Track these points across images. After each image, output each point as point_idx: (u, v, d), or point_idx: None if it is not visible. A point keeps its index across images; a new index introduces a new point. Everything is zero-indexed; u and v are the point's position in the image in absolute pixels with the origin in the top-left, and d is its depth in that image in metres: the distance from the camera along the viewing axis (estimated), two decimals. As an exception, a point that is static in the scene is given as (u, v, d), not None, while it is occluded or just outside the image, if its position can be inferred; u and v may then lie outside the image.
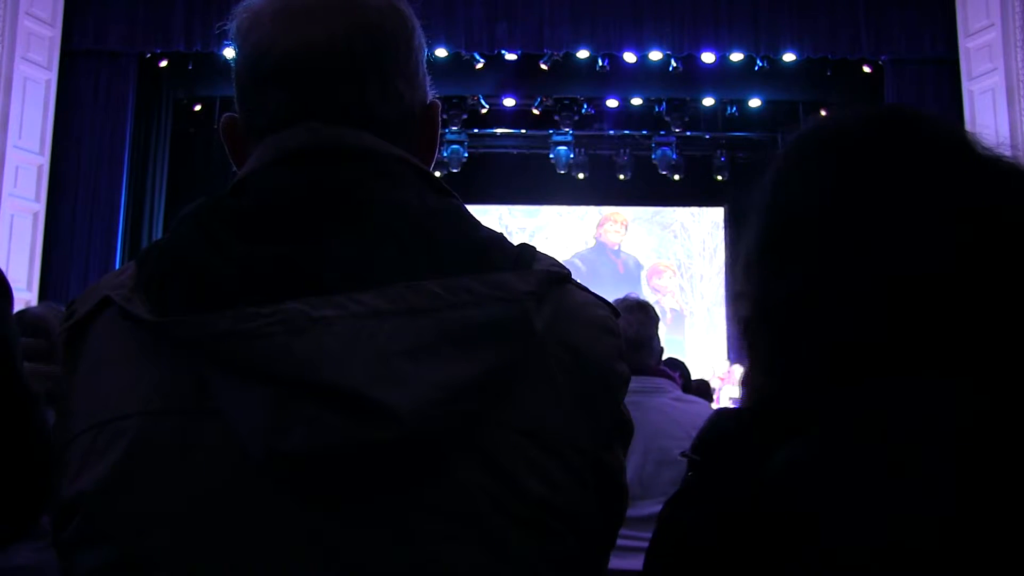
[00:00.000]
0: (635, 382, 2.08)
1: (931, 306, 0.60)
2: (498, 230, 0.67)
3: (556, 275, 0.66)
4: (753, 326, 0.70)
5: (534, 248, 0.67)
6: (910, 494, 0.56)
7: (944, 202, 0.63)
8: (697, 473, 0.70)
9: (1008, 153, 0.67)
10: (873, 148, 0.68)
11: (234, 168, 0.75)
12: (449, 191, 0.70)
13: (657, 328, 2.28)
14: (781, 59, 7.04)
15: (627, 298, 2.31)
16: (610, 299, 0.73)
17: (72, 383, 0.65)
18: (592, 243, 9.36)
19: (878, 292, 0.61)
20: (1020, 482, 0.55)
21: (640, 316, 2.21)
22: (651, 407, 2.06)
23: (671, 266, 9.37)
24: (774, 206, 0.71)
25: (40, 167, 6.42)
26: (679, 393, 2.21)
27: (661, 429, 1.99)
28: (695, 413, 2.12)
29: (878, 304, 0.61)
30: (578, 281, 0.70)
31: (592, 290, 0.72)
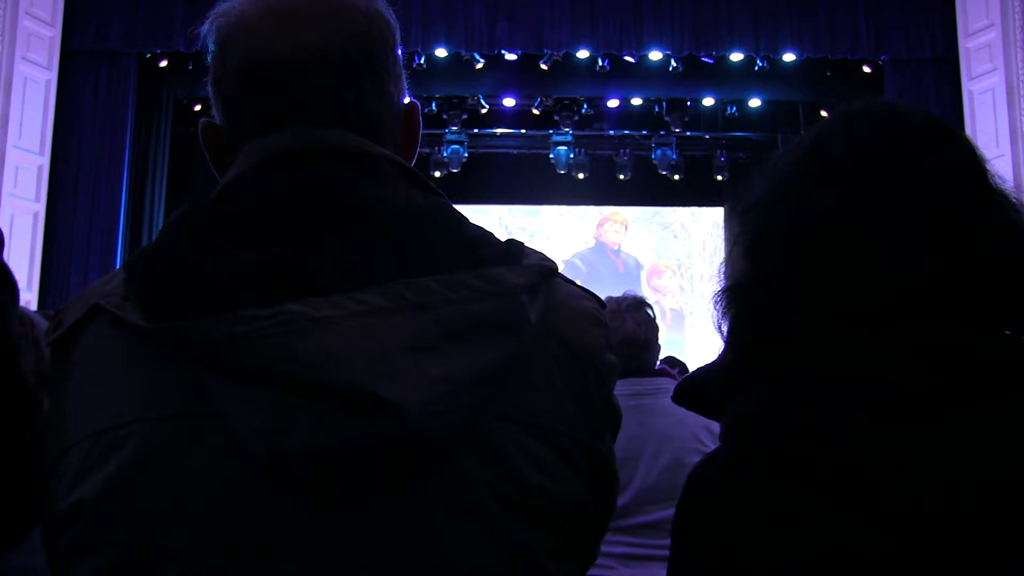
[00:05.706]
0: (639, 384, 2.04)
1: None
2: (498, 230, 0.68)
3: (546, 269, 0.67)
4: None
5: (521, 243, 0.69)
6: (800, 500, 0.59)
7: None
8: None
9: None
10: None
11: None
12: (435, 189, 0.70)
13: (656, 325, 2.26)
14: (781, 59, 7.03)
15: (626, 296, 2.27)
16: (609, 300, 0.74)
17: (63, 394, 0.64)
18: (592, 243, 9.34)
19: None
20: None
21: (646, 315, 2.19)
22: (657, 410, 1.98)
23: (671, 266, 9.35)
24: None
25: (40, 167, 6.41)
26: None
27: (668, 433, 1.92)
28: None
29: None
30: (564, 274, 0.72)
31: (581, 285, 0.74)
